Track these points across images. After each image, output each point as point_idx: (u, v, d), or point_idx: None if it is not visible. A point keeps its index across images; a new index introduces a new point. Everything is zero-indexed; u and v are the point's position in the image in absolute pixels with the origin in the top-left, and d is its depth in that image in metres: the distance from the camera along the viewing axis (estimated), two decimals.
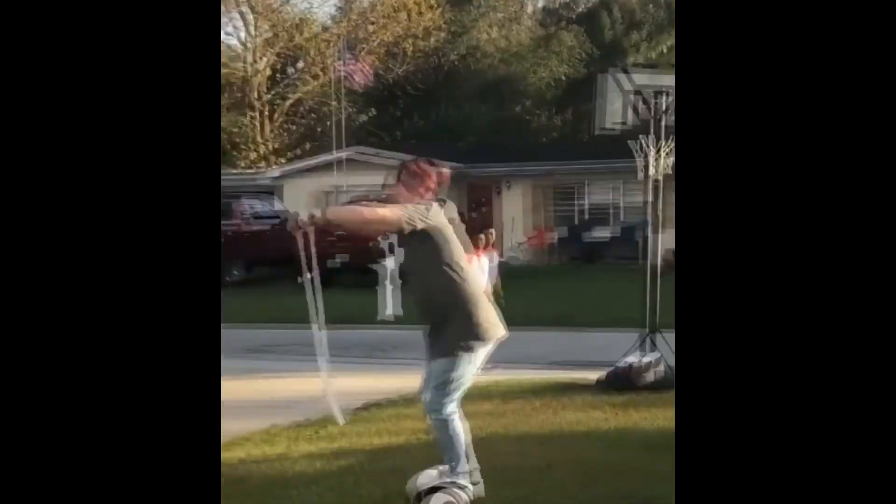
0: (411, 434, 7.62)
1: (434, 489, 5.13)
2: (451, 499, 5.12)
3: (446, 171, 5.46)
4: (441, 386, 5.16)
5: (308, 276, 5.20)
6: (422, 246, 5.20)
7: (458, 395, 5.22)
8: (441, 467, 5.36)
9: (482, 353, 5.26)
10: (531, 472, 6.30)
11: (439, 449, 5.25)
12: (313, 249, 5.12)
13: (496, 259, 12.59)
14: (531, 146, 36.43)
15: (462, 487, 5.18)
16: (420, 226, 5.10)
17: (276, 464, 6.81)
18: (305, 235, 5.08)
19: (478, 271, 12.25)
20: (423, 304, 5.33)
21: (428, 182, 5.29)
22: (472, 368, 5.24)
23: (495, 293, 12.30)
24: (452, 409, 5.19)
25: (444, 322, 5.21)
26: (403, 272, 5.67)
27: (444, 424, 5.18)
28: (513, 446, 7.07)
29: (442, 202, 5.30)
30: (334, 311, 20.07)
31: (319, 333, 5.38)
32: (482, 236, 12.78)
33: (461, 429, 5.25)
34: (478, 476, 5.28)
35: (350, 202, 26.52)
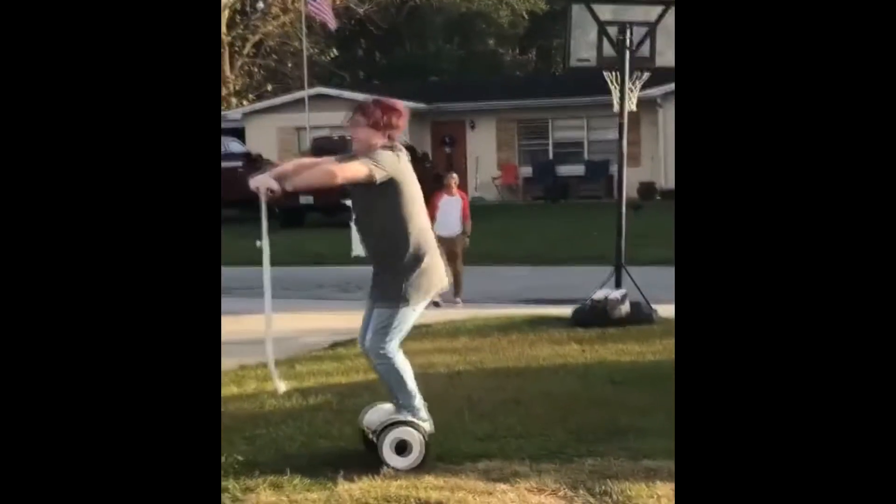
0: None
1: (392, 424, 5.10)
2: (415, 431, 5.10)
3: (404, 108, 5.33)
4: (382, 331, 5.12)
5: (266, 240, 5.16)
6: (378, 194, 5.10)
7: (398, 340, 5.17)
8: (390, 406, 5.31)
9: (424, 303, 5.23)
10: (503, 407, 6.30)
11: (389, 388, 5.22)
12: (265, 218, 5.11)
13: (463, 201, 12.54)
14: (497, 83, 36.17)
15: (422, 421, 5.17)
16: (390, 174, 5.02)
17: (246, 403, 6.76)
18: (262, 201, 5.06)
19: (449, 212, 12.20)
20: (373, 249, 5.27)
21: (386, 121, 5.16)
22: (414, 316, 5.21)
23: (464, 233, 12.29)
24: (393, 348, 5.15)
25: (391, 269, 5.15)
26: (354, 214, 5.59)
27: (388, 363, 5.14)
28: (485, 381, 7.06)
29: (400, 151, 5.18)
30: (306, 250, 20.20)
31: (269, 304, 5.38)
32: (452, 177, 12.73)
33: (406, 365, 5.21)
34: (426, 413, 5.24)
35: (313, 145, 26.41)
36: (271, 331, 5.35)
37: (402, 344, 5.23)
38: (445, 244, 12.23)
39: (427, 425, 5.18)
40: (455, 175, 13.13)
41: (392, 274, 5.14)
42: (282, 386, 5.55)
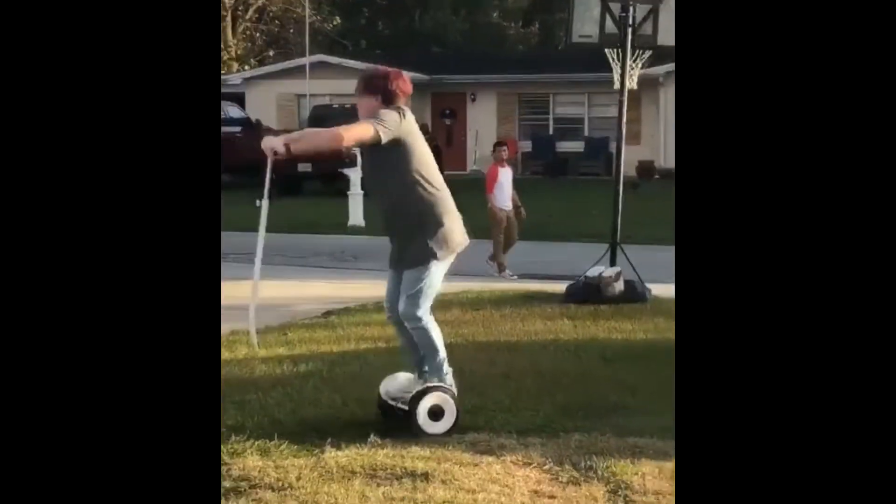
0: (371, 341, 7.61)
1: (424, 391, 5.16)
2: (448, 397, 5.19)
3: (407, 77, 5.37)
4: (414, 294, 5.17)
5: (265, 201, 5.15)
6: (389, 156, 5.13)
7: (430, 301, 5.24)
8: (410, 375, 5.37)
9: (450, 260, 5.28)
10: (492, 380, 6.32)
11: (422, 352, 5.27)
12: (268, 178, 5.09)
13: (511, 173, 12.56)
14: (499, 57, 36.04)
15: (449, 387, 5.25)
16: (397, 133, 5.04)
17: (237, 369, 6.77)
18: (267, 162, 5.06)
19: (505, 184, 12.22)
20: (390, 215, 5.29)
21: (391, 89, 5.18)
22: (441, 275, 5.27)
23: (515, 205, 12.31)
24: (428, 312, 5.22)
25: (413, 232, 5.19)
26: (366, 183, 5.63)
27: (423, 327, 5.21)
28: (476, 354, 7.08)
29: (405, 111, 5.21)
30: (303, 218, 20.20)
31: (258, 265, 5.42)
32: (502, 149, 12.71)
33: (438, 330, 5.29)
34: (451, 378, 5.33)
35: (313, 113, 26.34)
36: (257, 297, 5.37)
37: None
38: (503, 216, 12.30)
39: (453, 388, 5.27)
40: (506, 146, 13.03)
41: (414, 237, 5.19)
42: (257, 346, 5.73)
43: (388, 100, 5.14)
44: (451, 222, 5.24)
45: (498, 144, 13.08)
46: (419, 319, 5.19)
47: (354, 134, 5.05)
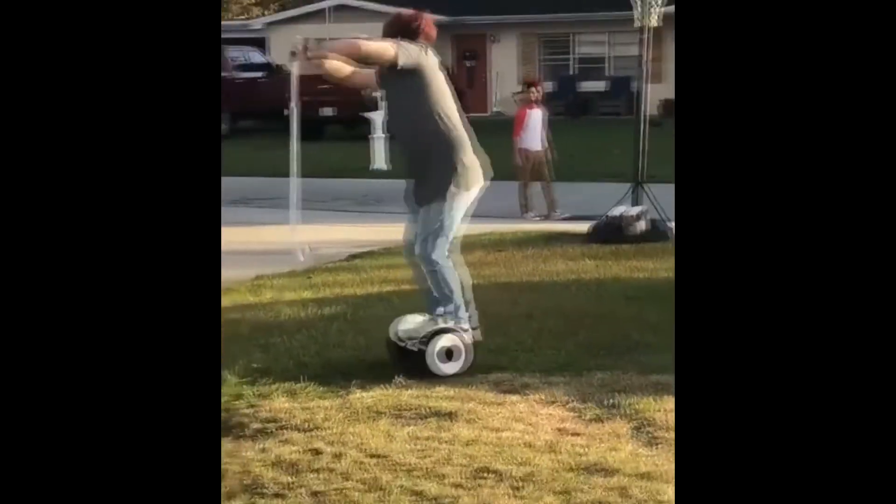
0: (394, 284, 7.66)
1: (438, 332, 5.20)
2: (458, 340, 5.22)
3: (430, 18, 5.39)
4: (432, 233, 5.21)
5: (292, 108, 5.27)
6: (409, 91, 5.19)
7: (448, 240, 5.26)
8: (425, 315, 5.40)
9: (469, 197, 5.30)
10: (515, 321, 6.36)
11: (435, 294, 5.30)
12: (294, 87, 5.20)
13: (545, 112, 12.43)
14: None
15: (465, 330, 5.28)
16: (415, 61, 5.10)
17: (262, 312, 6.85)
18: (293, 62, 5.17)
19: (534, 125, 12.13)
20: (410, 151, 5.34)
21: (413, 27, 5.23)
22: (460, 214, 5.29)
23: (550, 145, 12.23)
24: (444, 255, 5.25)
25: (431, 168, 5.23)
26: (390, 123, 5.69)
27: (439, 269, 5.24)
28: (498, 295, 7.12)
29: (427, 47, 5.24)
30: (326, 162, 20.24)
31: (295, 179, 5.47)
32: (534, 90, 12.59)
33: (455, 273, 5.31)
34: (476, 321, 5.37)
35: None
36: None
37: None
38: (532, 158, 12.24)
39: (473, 335, 5.31)
40: (538, 87, 12.89)
41: (432, 172, 5.23)
42: (301, 255, 5.69)
43: (411, 38, 5.20)
44: (470, 160, 5.27)
45: (528, 85, 12.97)
46: (434, 262, 5.22)
47: (373, 47, 5.10)
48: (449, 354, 5.21)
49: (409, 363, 5.22)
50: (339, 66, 5.33)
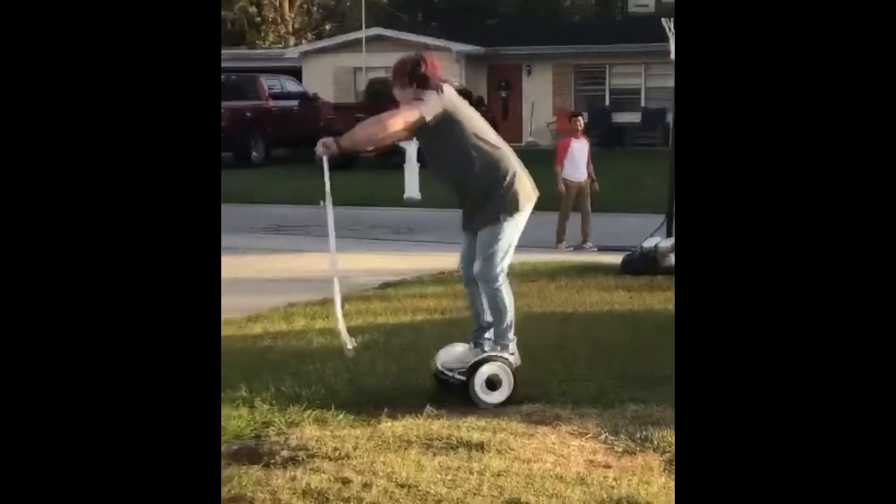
0: (427, 313, 7.66)
1: (480, 362, 5.22)
2: (499, 369, 5.23)
3: (436, 57, 5.43)
4: (490, 255, 5.24)
5: (329, 201, 5.32)
6: (441, 130, 5.21)
7: (506, 263, 5.30)
8: (465, 345, 5.41)
9: (523, 217, 5.33)
10: (547, 351, 6.32)
11: (488, 316, 5.33)
12: (327, 177, 5.23)
13: (588, 143, 12.53)
14: (555, 27, 35.79)
15: (512, 353, 5.32)
16: (439, 109, 5.13)
17: (294, 340, 6.85)
18: (322, 161, 5.21)
19: (577, 155, 12.21)
20: (458, 183, 5.33)
21: (421, 73, 5.24)
22: (517, 233, 5.33)
23: (591, 175, 12.31)
24: (503, 278, 5.29)
25: (481, 193, 5.25)
26: (424, 156, 5.71)
27: (498, 289, 5.27)
28: (531, 325, 7.07)
29: (442, 84, 5.26)
30: (359, 191, 20.31)
31: (334, 252, 5.45)
32: (579, 120, 12.69)
33: (510, 295, 5.35)
34: (514, 347, 5.39)
35: (369, 87, 26.35)
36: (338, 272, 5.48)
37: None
38: (573, 189, 12.29)
39: (514, 358, 5.34)
40: (583, 117, 13.00)
41: (483, 198, 5.25)
42: (349, 347, 5.32)
43: (423, 84, 5.22)
44: (518, 178, 5.29)
45: (573, 115, 13.09)
46: (495, 280, 5.25)
47: (400, 119, 5.15)
48: (491, 384, 5.21)
49: (455, 394, 5.23)
50: (370, 135, 5.38)
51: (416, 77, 5.23)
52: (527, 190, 5.32)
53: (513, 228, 5.27)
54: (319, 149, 5.17)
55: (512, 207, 5.24)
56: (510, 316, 5.34)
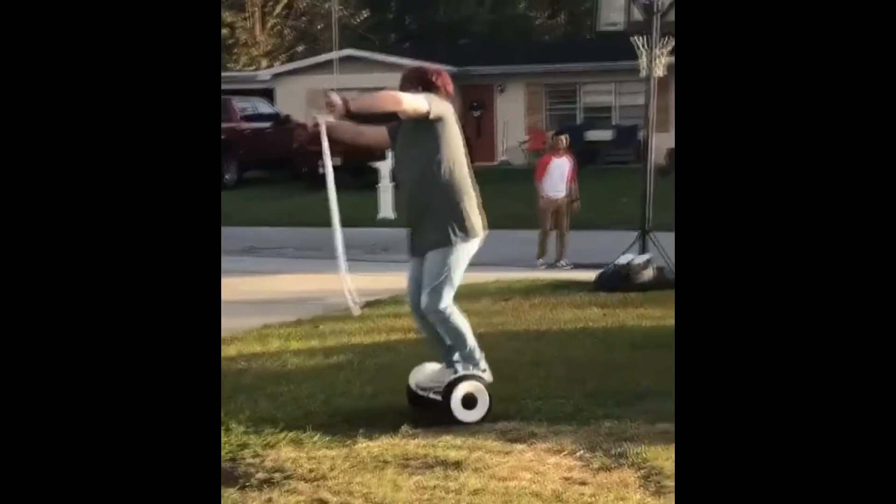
0: (402, 332, 7.65)
1: (457, 380, 5.22)
2: (476, 386, 5.23)
3: (449, 78, 5.44)
4: (436, 287, 5.20)
5: (329, 168, 5.28)
6: (425, 141, 5.21)
7: (451, 290, 5.25)
8: (437, 365, 5.40)
9: (472, 248, 5.30)
10: (523, 369, 6.34)
11: (449, 342, 5.30)
12: (325, 144, 5.20)
13: (571, 162, 12.55)
14: (526, 47, 35.96)
15: (483, 371, 5.31)
16: (444, 113, 5.17)
17: (269, 362, 6.83)
18: (320, 130, 5.18)
19: (556, 173, 12.27)
20: (415, 199, 5.31)
21: (434, 82, 5.31)
22: (463, 265, 5.28)
23: (572, 193, 12.35)
24: (449, 302, 5.24)
25: (433, 217, 5.23)
26: (396, 170, 5.70)
27: (445, 319, 5.23)
28: (506, 344, 7.10)
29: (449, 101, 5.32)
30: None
31: (337, 228, 5.51)
32: (561, 139, 12.74)
33: (463, 318, 5.32)
34: (484, 363, 5.37)
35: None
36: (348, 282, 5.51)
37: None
38: (551, 205, 12.34)
39: (486, 375, 5.33)
40: (565, 136, 13.04)
41: (437, 220, 5.22)
42: (357, 309, 5.56)
43: (431, 91, 5.26)
44: (473, 208, 5.29)
45: (556, 134, 13.17)
46: (443, 312, 5.21)
47: (410, 100, 5.12)
48: (468, 402, 5.21)
49: (430, 413, 5.22)
50: (354, 127, 5.38)
51: (428, 84, 5.28)
52: (481, 222, 5.31)
53: (462, 255, 5.23)
54: (323, 108, 5.09)
55: (466, 232, 5.21)
56: (470, 337, 5.31)
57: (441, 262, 5.20)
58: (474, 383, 5.24)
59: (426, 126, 5.18)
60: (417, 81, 5.32)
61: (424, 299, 5.23)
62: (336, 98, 5.07)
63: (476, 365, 5.32)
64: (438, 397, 5.23)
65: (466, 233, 5.23)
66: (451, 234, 5.19)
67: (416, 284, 5.35)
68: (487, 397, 5.24)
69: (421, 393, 5.37)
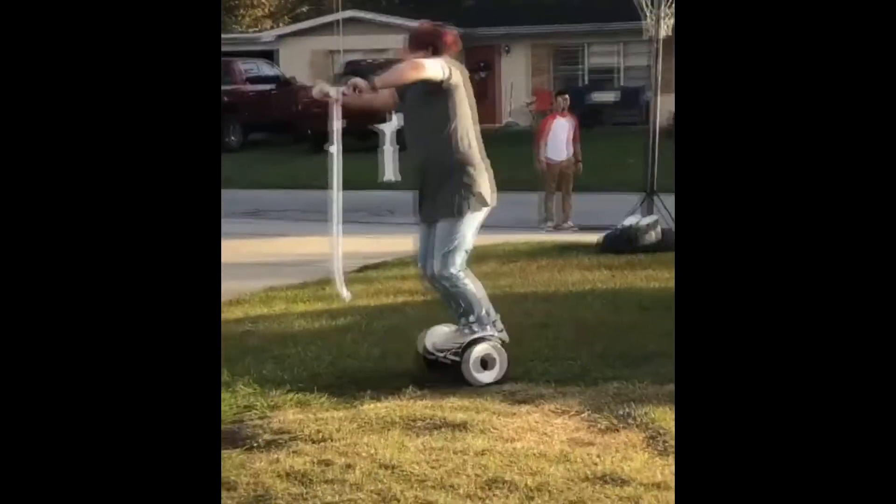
0: (408, 294, 7.64)
1: (472, 342, 5.20)
2: (492, 349, 5.23)
3: (453, 31, 5.38)
4: (447, 253, 5.18)
5: (334, 145, 5.21)
6: (436, 108, 5.16)
7: (463, 256, 5.23)
8: (452, 326, 5.37)
9: (481, 217, 5.27)
10: (530, 331, 6.32)
11: (461, 307, 5.27)
12: (338, 120, 5.13)
13: (573, 122, 12.42)
14: (531, 7, 35.72)
15: (500, 330, 5.30)
16: (458, 80, 5.11)
17: (275, 324, 6.83)
18: (334, 103, 5.10)
19: (559, 134, 12.14)
20: (426, 166, 5.27)
21: (440, 42, 5.23)
22: (473, 231, 5.26)
23: (575, 154, 12.24)
24: (460, 267, 5.22)
25: (444, 184, 5.19)
26: (404, 136, 5.65)
27: (456, 283, 5.21)
28: (513, 306, 7.08)
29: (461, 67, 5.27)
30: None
31: (336, 203, 5.49)
32: (559, 99, 12.60)
33: (475, 282, 5.30)
34: (500, 324, 5.35)
35: (346, 69, 26.22)
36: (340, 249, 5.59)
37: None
38: (555, 168, 12.23)
39: (503, 335, 5.31)
40: (566, 96, 12.88)
41: (448, 188, 5.18)
42: (346, 293, 5.57)
43: (438, 54, 5.19)
44: (483, 177, 5.25)
45: (558, 94, 13.04)
46: (454, 277, 5.20)
47: (429, 67, 5.05)
48: (484, 363, 5.20)
49: (443, 375, 5.20)
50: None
51: (435, 45, 5.20)
52: (489, 193, 5.26)
53: (471, 225, 5.21)
54: (351, 85, 5.02)
55: (475, 202, 5.18)
56: (485, 300, 5.29)
57: (452, 230, 5.18)
58: (491, 345, 5.23)
59: (439, 91, 5.12)
60: (427, 41, 5.23)
61: (436, 265, 5.21)
62: (361, 82, 5.01)
63: (493, 325, 5.30)
64: (456, 359, 5.21)
65: (478, 202, 5.19)
66: (463, 204, 5.15)
67: (427, 250, 5.32)
68: (505, 358, 5.23)
69: (434, 355, 5.34)
